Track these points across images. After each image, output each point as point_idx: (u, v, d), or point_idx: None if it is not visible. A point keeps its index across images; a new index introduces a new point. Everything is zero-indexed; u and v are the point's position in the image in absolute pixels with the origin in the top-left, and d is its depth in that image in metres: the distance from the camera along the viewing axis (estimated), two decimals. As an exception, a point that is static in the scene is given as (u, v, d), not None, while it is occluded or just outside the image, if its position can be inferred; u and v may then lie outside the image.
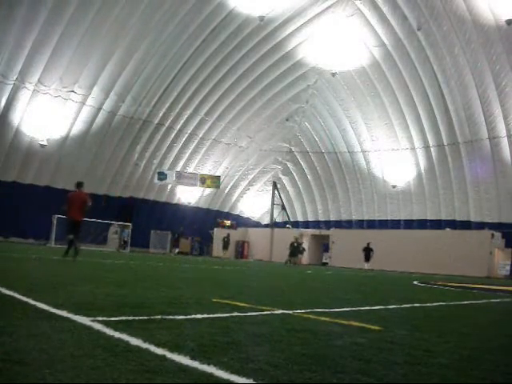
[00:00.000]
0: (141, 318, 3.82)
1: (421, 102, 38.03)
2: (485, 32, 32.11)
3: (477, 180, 37.44)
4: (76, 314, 3.68)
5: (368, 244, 33.19)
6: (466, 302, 8.92)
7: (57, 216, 29.80)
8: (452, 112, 36.82)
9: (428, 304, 7.71)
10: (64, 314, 3.72)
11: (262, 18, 34.01)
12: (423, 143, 39.89)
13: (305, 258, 41.93)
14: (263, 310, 4.92)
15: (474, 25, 32.21)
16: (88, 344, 2.72)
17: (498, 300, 10.23)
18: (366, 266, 32.46)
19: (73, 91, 33.07)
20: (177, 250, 38.98)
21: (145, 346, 2.76)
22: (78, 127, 35.20)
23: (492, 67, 33.42)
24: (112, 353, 2.53)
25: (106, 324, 3.36)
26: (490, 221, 36.59)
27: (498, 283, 21.34)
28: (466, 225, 37.97)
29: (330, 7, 35.85)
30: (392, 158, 42.14)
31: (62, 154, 35.29)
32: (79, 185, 14.10)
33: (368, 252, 32.90)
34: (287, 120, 45.55)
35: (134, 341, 2.86)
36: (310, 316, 4.74)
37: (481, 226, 36.14)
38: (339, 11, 36.35)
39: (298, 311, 5.08)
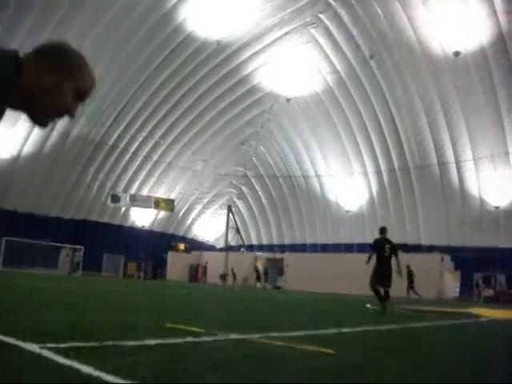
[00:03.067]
0: (92, 344, 3.72)
1: (373, 128, 38.99)
2: (433, 62, 33.41)
3: (427, 204, 38.46)
4: (24, 341, 3.55)
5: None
6: (418, 325, 9.07)
7: (5, 238, 28.89)
8: (403, 138, 37.94)
9: (381, 327, 7.80)
10: (12, 341, 3.58)
11: (219, 42, 34.35)
12: (375, 168, 40.79)
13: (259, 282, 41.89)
14: (218, 335, 4.87)
15: (423, 55, 33.49)
16: (37, 373, 2.64)
17: (449, 322, 10.45)
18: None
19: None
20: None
21: (96, 373, 2.68)
22: (29, 147, 34.31)
23: (440, 96, 34.71)
24: (62, 382, 2.46)
25: (57, 351, 3.25)
26: (439, 244, 37.51)
27: (448, 305, 21.81)
28: (416, 248, 38.75)
29: (286, 34, 36.52)
30: (345, 182, 42.84)
31: (12, 174, 34.22)
32: None
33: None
34: (243, 144, 45.76)
35: (85, 368, 2.78)
36: (265, 341, 4.72)
37: (430, 249, 37.01)
38: (295, 38, 37.08)
39: (253, 336, 5.06)
